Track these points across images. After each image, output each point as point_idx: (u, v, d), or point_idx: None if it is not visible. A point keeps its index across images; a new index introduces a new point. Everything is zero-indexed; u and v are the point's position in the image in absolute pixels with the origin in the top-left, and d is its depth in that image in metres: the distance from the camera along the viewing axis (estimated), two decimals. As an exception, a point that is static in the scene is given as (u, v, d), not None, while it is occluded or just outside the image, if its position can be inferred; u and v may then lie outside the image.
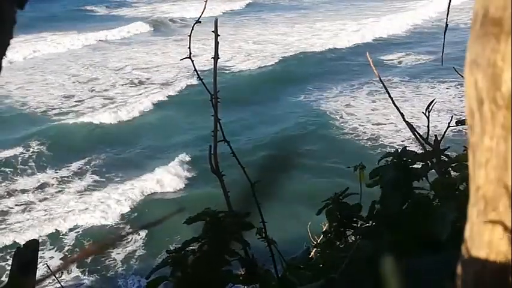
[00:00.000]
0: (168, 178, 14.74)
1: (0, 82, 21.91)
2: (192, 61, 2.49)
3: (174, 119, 18.92)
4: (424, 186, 2.22)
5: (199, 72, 2.54)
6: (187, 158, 15.45)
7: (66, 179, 15.23)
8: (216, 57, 2.39)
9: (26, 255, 1.98)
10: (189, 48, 2.47)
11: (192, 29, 2.42)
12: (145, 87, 22.36)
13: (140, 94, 21.63)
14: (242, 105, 19.25)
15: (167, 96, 21.04)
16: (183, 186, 14.53)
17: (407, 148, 2.29)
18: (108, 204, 13.59)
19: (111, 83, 23.03)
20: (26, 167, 15.94)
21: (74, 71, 24.77)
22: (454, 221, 1.85)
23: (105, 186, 14.66)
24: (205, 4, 2.50)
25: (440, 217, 1.91)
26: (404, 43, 27.22)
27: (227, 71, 23.23)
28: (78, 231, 12.70)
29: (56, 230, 12.72)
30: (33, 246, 2.03)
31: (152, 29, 32.43)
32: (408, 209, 2.14)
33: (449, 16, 2.43)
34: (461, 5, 28.99)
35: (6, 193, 14.45)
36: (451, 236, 1.80)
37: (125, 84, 22.90)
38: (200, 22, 2.44)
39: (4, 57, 0.77)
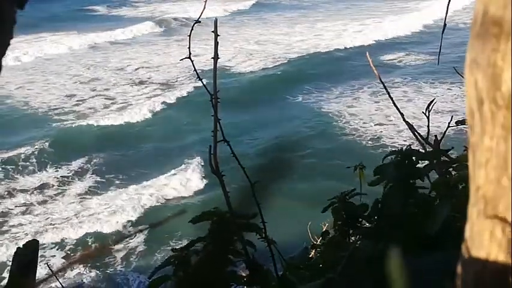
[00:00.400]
0: (184, 181, 14.66)
1: (0, 82, 21.93)
2: (192, 61, 2.49)
3: (189, 119, 18.84)
4: (426, 186, 2.22)
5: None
6: (202, 162, 15.32)
7: (66, 179, 15.22)
8: (215, 57, 2.39)
9: (26, 256, 1.98)
10: (189, 48, 2.47)
11: (192, 29, 2.42)
12: (157, 88, 22.32)
13: (147, 94, 21.63)
14: (251, 106, 19.31)
15: (183, 97, 20.99)
16: (198, 188, 14.45)
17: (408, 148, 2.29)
18: (119, 207, 13.55)
19: (126, 84, 23.03)
20: (32, 166, 15.91)
21: (87, 72, 24.86)
22: (447, 218, 1.85)
23: (116, 189, 14.60)
24: (205, 4, 2.50)
25: (433, 213, 1.91)
26: (410, 43, 27.14)
27: (228, 71, 23.28)
28: (86, 233, 12.70)
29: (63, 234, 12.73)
30: (33, 246, 2.03)
31: (162, 29, 32.45)
32: (409, 209, 2.14)
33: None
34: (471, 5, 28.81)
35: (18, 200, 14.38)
36: (451, 235, 1.80)
37: (135, 84, 22.90)
38: (200, 22, 2.44)
39: (4, 56, 0.77)
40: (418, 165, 2.26)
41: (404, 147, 2.27)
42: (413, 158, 2.22)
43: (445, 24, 2.57)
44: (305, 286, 2.07)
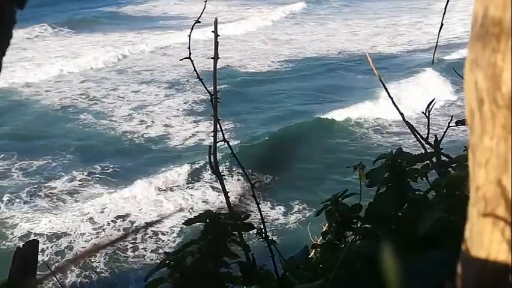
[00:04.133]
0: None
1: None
2: (192, 61, 2.48)
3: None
4: (426, 187, 2.22)
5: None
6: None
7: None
8: (215, 58, 2.39)
9: (25, 255, 1.98)
10: (189, 48, 2.47)
11: (192, 29, 2.42)
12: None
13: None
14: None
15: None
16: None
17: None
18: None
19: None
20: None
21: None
22: (439, 218, 1.85)
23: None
24: (205, 4, 2.50)
25: (424, 214, 1.91)
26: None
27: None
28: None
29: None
30: (33, 246, 2.03)
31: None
32: (406, 210, 2.14)
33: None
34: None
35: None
36: (445, 236, 1.80)
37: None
38: (200, 22, 2.44)
39: (4, 56, 0.77)
40: (416, 166, 2.26)
41: (393, 150, 2.27)
42: (405, 160, 2.23)
43: (442, 24, 2.57)
44: (304, 286, 2.07)
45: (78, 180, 14.91)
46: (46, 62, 25.41)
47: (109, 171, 15.42)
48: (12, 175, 15.24)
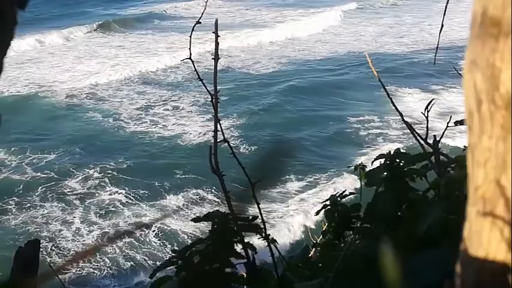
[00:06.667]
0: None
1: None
2: (193, 62, 2.49)
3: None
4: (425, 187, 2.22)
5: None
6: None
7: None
8: (216, 58, 2.39)
9: (27, 254, 1.98)
10: (190, 49, 2.47)
11: (192, 30, 2.42)
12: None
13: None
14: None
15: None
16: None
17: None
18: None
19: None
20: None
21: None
22: (438, 217, 1.86)
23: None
24: (206, 4, 2.51)
25: (423, 213, 1.91)
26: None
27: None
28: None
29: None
30: (34, 245, 2.03)
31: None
32: (405, 209, 2.14)
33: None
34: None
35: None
36: (443, 235, 1.81)
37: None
38: (200, 23, 2.44)
39: (5, 57, 0.77)
40: (416, 166, 2.27)
41: (392, 151, 2.28)
42: (404, 160, 2.23)
43: (442, 25, 2.57)
44: (303, 285, 2.07)
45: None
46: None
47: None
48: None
